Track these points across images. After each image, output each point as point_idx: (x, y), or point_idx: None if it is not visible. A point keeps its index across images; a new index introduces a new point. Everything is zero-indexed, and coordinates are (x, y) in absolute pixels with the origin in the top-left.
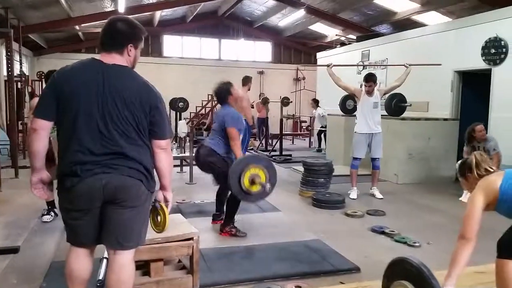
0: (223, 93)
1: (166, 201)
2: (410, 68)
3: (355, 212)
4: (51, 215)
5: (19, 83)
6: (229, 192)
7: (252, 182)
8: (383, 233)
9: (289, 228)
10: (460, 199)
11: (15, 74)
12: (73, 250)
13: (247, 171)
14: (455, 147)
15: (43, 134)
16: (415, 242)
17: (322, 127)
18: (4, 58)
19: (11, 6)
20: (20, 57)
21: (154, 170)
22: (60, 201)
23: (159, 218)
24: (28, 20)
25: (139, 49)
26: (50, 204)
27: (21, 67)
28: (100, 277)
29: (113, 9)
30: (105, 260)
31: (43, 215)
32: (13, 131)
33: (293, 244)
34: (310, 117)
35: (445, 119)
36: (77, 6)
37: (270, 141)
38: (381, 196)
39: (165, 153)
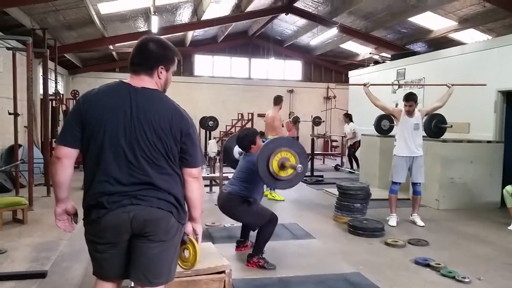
0: (246, 143)
1: (196, 234)
2: (452, 88)
3: (396, 241)
4: None
5: (53, 102)
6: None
7: (282, 166)
8: (428, 265)
9: (325, 258)
10: (509, 228)
11: (50, 93)
12: (99, 284)
13: (277, 154)
14: (500, 171)
15: (67, 163)
16: (464, 277)
17: (352, 145)
18: (41, 77)
19: (48, 27)
20: (56, 76)
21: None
22: (86, 233)
23: (186, 252)
24: (64, 40)
25: (171, 72)
26: None
27: (56, 86)
28: None
29: (146, 29)
30: None
31: None
32: (47, 149)
33: (331, 277)
34: (342, 136)
35: (489, 141)
36: (111, 27)
37: None
38: (422, 224)
39: (197, 183)
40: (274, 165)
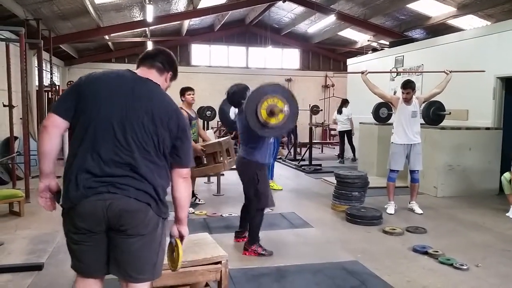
0: (236, 99)
1: (181, 236)
2: (451, 75)
3: (394, 229)
4: None
5: (49, 93)
6: (254, 206)
7: (271, 113)
8: (426, 253)
9: (322, 246)
10: (507, 214)
11: (46, 84)
12: (79, 280)
13: (263, 102)
14: (498, 158)
15: (54, 132)
16: (462, 264)
17: (349, 131)
18: (36, 68)
19: (42, 18)
20: (51, 67)
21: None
22: (63, 224)
23: (175, 254)
24: (59, 31)
25: (169, 84)
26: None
27: (51, 77)
28: None
29: (142, 18)
30: None
31: None
32: None
33: (328, 266)
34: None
35: (487, 128)
36: (106, 16)
37: (298, 150)
38: (420, 211)
39: (185, 183)
40: (263, 114)
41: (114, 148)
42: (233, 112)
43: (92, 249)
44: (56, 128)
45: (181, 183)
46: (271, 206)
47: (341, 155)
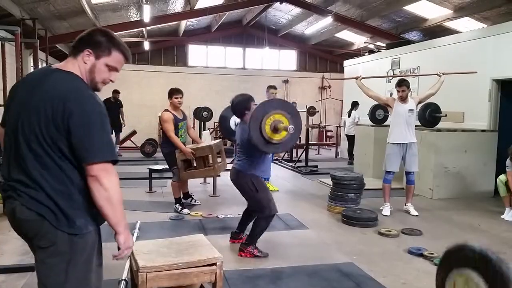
0: (240, 109)
1: (119, 247)
2: (443, 77)
3: (389, 231)
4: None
5: None
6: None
7: (275, 129)
8: (421, 255)
9: (318, 248)
10: (502, 216)
11: None
12: None
13: (269, 117)
14: (494, 160)
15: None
16: None
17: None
18: (32, 68)
19: (39, 17)
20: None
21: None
22: None
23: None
24: (56, 30)
25: (106, 64)
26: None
27: None
28: None
29: (139, 19)
30: (123, 283)
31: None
32: None
33: (324, 268)
34: (339, 126)
35: (483, 131)
36: (103, 16)
37: (295, 151)
38: (416, 213)
39: (97, 184)
40: (266, 129)
41: (16, 155)
42: (233, 121)
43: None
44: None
45: (92, 183)
46: (275, 212)
47: (350, 157)
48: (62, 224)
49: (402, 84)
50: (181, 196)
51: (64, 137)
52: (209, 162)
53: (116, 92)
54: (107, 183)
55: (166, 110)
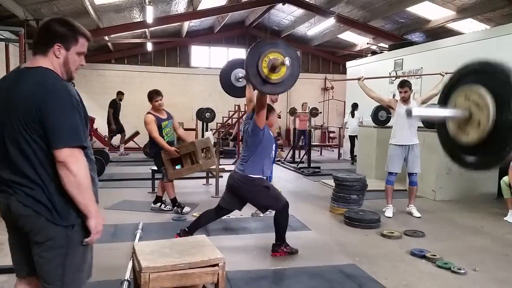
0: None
1: (92, 232)
2: (446, 76)
3: (392, 232)
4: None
5: None
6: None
7: (272, 68)
8: (424, 257)
9: (320, 249)
10: (505, 218)
11: None
12: (16, 281)
13: (263, 60)
14: None
15: None
16: (460, 269)
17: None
18: None
19: (42, 18)
20: None
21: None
22: None
23: None
24: None
25: (76, 52)
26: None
27: None
28: None
29: (142, 20)
30: (126, 283)
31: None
32: None
33: (326, 269)
34: (340, 127)
35: None
36: (106, 17)
37: (297, 152)
38: (419, 215)
39: (65, 169)
40: (264, 70)
41: (6, 154)
42: (234, 76)
43: (15, 249)
44: None
45: (60, 169)
46: (286, 200)
47: (352, 157)
48: (57, 218)
49: (404, 85)
50: (162, 196)
51: (38, 125)
52: (196, 160)
53: (120, 93)
54: (75, 169)
55: (148, 112)
